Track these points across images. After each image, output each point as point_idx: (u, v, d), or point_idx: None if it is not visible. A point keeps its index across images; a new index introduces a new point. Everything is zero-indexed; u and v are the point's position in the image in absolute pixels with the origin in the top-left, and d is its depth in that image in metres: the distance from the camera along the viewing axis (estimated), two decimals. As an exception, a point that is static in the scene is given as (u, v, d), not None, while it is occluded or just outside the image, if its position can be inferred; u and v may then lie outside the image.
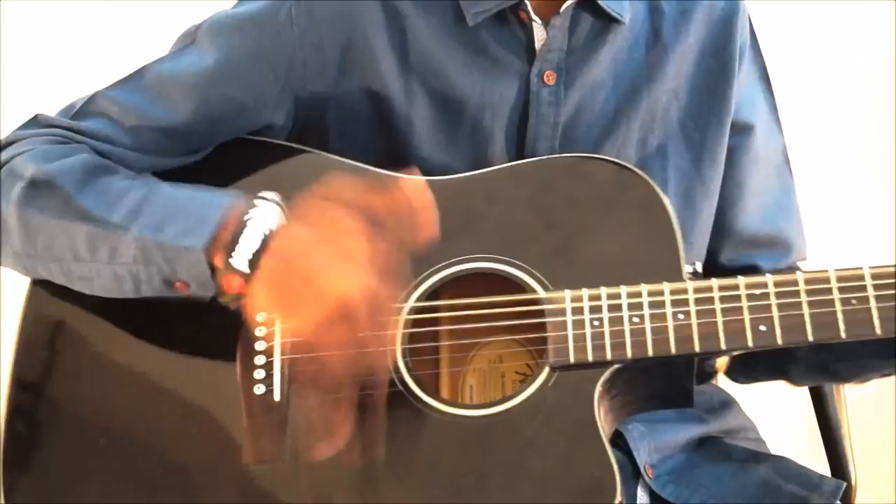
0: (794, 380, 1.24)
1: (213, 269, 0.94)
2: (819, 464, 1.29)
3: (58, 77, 2.04)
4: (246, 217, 0.93)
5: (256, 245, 0.91)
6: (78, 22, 2.04)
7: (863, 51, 2.19)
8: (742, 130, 1.18)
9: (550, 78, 1.10)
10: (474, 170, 1.10)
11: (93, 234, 0.98)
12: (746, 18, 1.18)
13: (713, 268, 1.20)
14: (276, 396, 1.00)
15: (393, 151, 1.11)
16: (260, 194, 0.95)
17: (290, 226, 0.94)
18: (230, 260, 0.91)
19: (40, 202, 1.00)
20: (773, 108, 1.23)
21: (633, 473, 1.12)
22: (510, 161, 1.11)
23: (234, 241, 0.92)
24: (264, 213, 0.93)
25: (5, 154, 1.05)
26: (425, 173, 1.08)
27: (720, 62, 1.15)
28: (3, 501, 1.02)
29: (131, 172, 1.04)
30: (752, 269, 1.19)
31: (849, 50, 2.18)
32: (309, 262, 0.92)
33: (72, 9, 2.03)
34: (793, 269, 1.22)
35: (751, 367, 1.26)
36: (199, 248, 0.93)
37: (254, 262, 0.91)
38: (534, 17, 1.09)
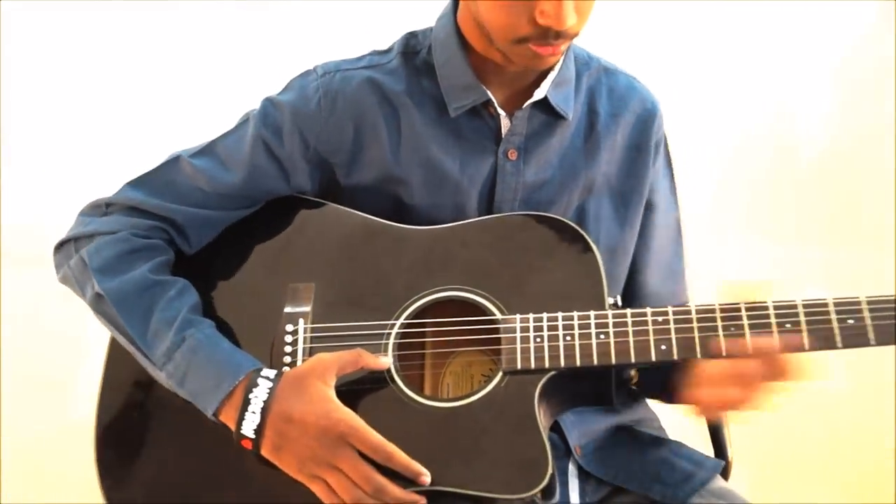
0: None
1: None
2: (705, 446, 1.42)
3: (57, 77, 2.07)
4: (250, 395, 1.15)
5: (258, 419, 1.14)
6: (77, 22, 2.07)
7: (863, 52, 2.20)
8: (648, 208, 1.37)
9: (513, 155, 1.30)
10: (454, 221, 1.29)
11: (137, 354, 1.22)
12: (662, 121, 1.38)
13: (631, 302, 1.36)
14: None
15: (393, 207, 1.31)
16: (262, 374, 1.16)
17: (281, 399, 1.15)
18: (241, 429, 1.15)
19: (103, 312, 1.25)
20: (674, 190, 1.42)
21: (565, 452, 1.28)
22: (481, 216, 1.30)
23: (241, 416, 1.15)
24: (263, 390, 1.15)
25: (89, 227, 1.28)
26: (417, 223, 1.29)
27: (640, 154, 1.35)
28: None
29: (176, 288, 1.24)
30: None
31: (848, 51, 2.20)
32: (295, 423, 1.13)
33: (71, 9, 2.06)
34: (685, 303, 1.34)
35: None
36: (210, 412, 1.18)
37: (259, 431, 1.14)
38: (500, 111, 1.29)
